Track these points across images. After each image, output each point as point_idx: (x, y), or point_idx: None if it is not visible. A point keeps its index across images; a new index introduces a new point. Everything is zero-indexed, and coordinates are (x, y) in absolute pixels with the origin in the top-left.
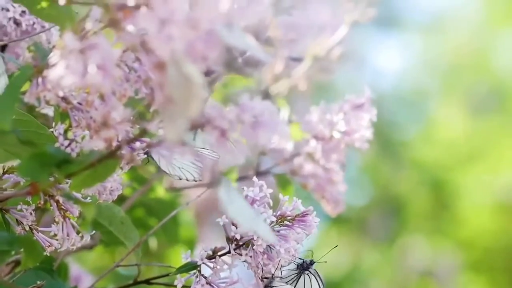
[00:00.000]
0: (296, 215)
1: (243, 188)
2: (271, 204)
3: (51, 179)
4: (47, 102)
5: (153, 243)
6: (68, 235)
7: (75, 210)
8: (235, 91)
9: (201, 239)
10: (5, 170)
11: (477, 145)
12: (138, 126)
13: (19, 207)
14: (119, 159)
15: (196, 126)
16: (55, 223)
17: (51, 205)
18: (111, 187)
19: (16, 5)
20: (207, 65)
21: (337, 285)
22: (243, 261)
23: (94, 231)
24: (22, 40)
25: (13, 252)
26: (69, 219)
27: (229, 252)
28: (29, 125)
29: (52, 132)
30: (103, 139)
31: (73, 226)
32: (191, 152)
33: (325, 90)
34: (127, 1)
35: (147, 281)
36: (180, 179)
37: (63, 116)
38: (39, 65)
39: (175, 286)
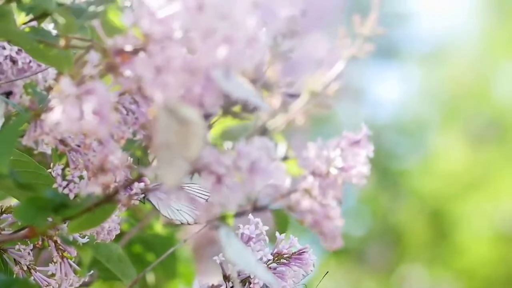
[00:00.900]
0: (292, 253)
1: (239, 226)
2: (267, 241)
3: (49, 221)
4: (46, 144)
5: (150, 278)
6: (66, 275)
7: (73, 250)
8: (231, 128)
9: (199, 272)
10: (2, 210)
11: (477, 175)
12: (136, 169)
13: (17, 247)
14: (116, 203)
15: (193, 171)
16: (53, 262)
17: (49, 245)
18: (109, 227)
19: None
20: (205, 109)
21: None
22: None
23: (92, 271)
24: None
25: None
26: (67, 259)
27: None
28: (27, 166)
29: (50, 172)
30: (100, 184)
31: (71, 266)
32: (186, 197)
33: (324, 122)
34: (125, 46)
35: None
36: (182, 223)
37: (60, 155)
38: (37, 109)
39: None
